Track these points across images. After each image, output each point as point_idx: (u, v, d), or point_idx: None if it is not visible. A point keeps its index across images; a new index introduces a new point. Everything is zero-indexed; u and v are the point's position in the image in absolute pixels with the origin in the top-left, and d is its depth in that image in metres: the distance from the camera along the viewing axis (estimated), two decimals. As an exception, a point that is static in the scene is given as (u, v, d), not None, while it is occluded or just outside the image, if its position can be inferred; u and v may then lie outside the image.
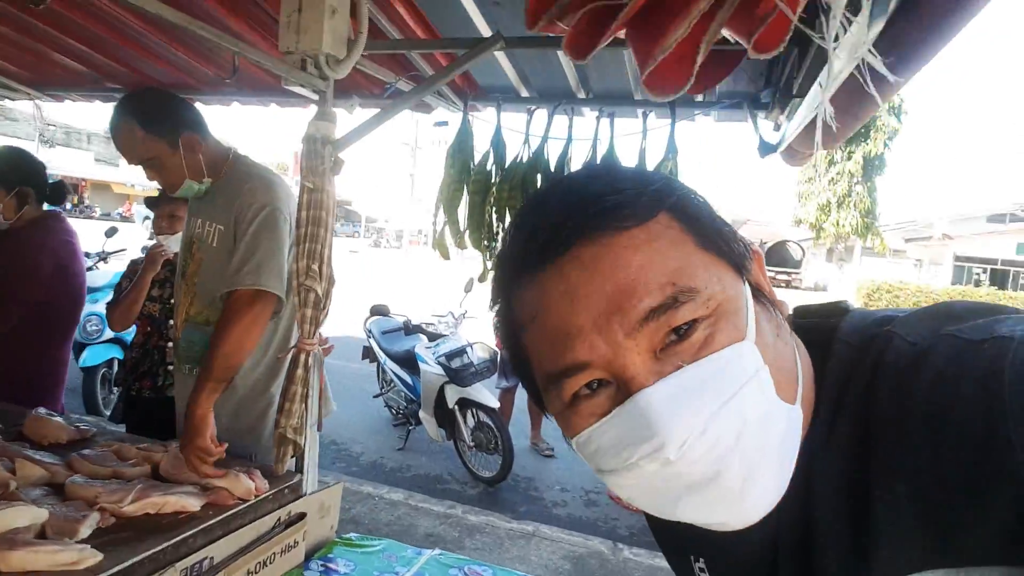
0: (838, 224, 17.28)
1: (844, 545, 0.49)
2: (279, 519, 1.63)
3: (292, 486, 1.72)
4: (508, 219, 2.11)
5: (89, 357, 4.66)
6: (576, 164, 2.15)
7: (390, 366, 5.09)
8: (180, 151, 1.76)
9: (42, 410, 1.92)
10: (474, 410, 4.48)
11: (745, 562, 0.59)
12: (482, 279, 2.10)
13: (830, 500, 0.50)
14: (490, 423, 4.38)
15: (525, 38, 1.69)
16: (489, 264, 2.10)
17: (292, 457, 1.74)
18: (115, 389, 4.77)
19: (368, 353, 5.41)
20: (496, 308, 0.58)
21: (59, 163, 27.80)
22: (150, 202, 2.52)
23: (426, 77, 2.23)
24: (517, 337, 0.55)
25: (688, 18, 0.69)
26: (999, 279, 26.80)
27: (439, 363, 4.50)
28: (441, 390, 4.51)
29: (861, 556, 0.47)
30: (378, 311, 5.03)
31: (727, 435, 0.47)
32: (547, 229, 0.51)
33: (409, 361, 4.82)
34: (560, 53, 2.06)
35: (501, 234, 2.16)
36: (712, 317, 0.49)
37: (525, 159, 2.09)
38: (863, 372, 0.50)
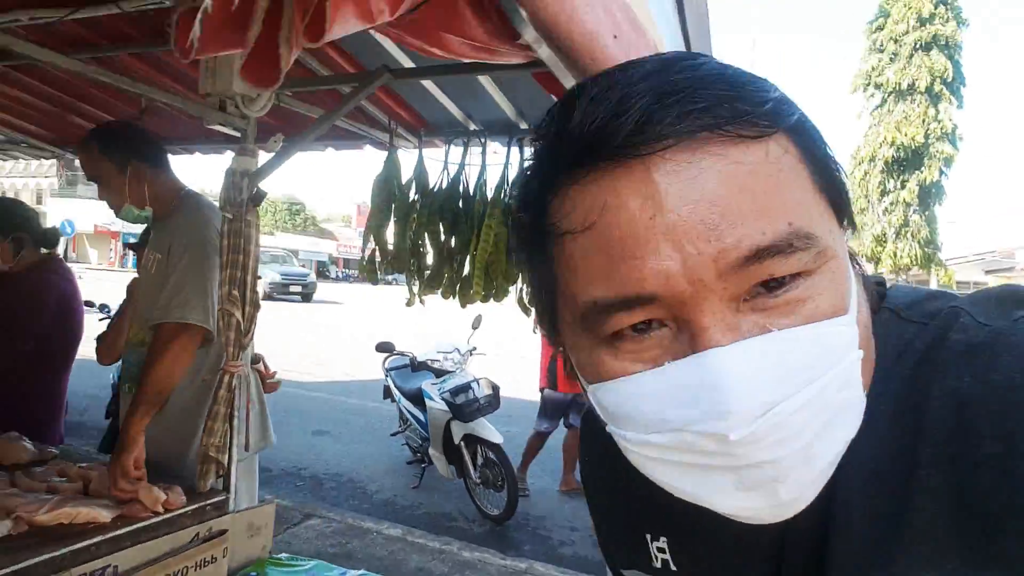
0: (895, 255, 16.53)
1: (867, 537, 0.42)
2: (197, 534, 1.70)
3: (216, 503, 1.80)
4: (428, 243, 2.20)
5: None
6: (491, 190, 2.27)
7: (404, 404, 5.18)
8: (126, 176, 1.96)
9: (14, 434, 2.08)
10: (480, 446, 4.48)
11: (730, 548, 0.51)
12: (409, 303, 2.19)
13: (859, 485, 0.43)
14: (495, 459, 4.37)
15: (411, 69, 1.80)
16: (416, 288, 2.19)
17: (218, 476, 1.82)
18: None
19: (388, 392, 5.53)
20: (522, 203, 0.46)
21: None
22: (135, 244, 2.73)
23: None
24: (546, 246, 0.44)
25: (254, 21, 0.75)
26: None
27: (443, 399, 4.55)
28: (447, 426, 4.55)
29: (884, 552, 0.41)
30: (383, 348, 5.14)
31: (800, 424, 0.38)
32: (640, 111, 0.39)
33: (419, 398, 4.89)
34: (493, 87, 2.16)
35: (429, 257, 2.23)
36: (817, 276, 0.40)
37: (444, 185, 2.19)
38: (921, 347, 0.44)
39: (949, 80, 16.04)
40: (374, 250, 2.32)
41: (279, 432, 2.56)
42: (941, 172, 18.07)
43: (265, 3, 0.76)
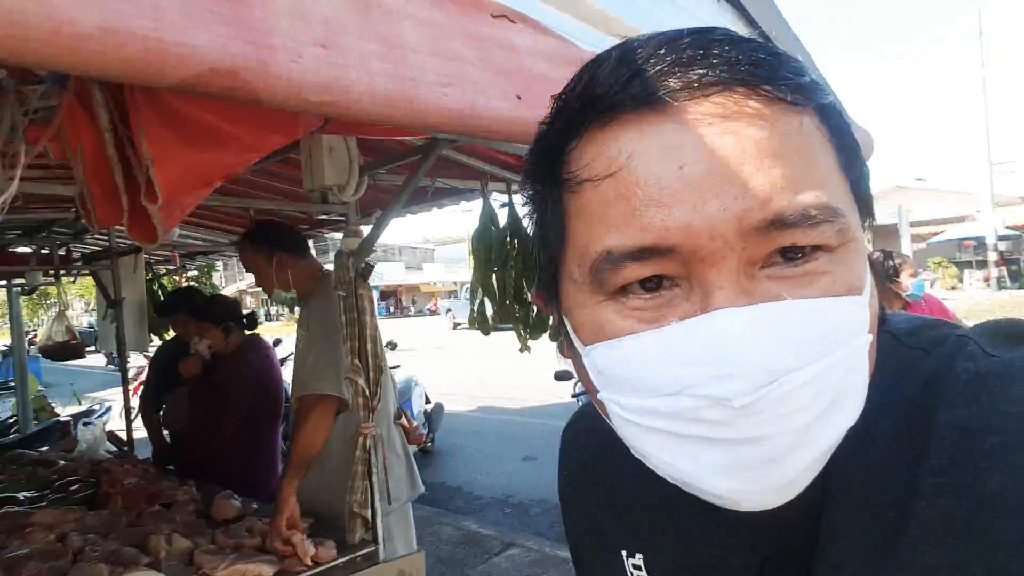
0: None
1: (853, 569, 0.40)
2: (349, 584, 1.88)
3: (366, 555, 1.97)
4: (526, 288, 2.16)
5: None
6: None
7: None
8: (272, 266, 2.29)
9: (227, 492, 2.50)
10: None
11: (707, 566, 0.49)
12: (521, 350, 2.18)
13: (849, 513, 0.41)
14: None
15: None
16: (524, 334, 2.17)
17: (365, 530, 2.00)
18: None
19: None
20: (536, 155, 0.45)
21: (380, 272, 34.06)
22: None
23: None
24: (561, 198, 0.43)
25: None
26: None
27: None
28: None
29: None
30: (562, 376, 5.16)
31: (806, 398, 0.37)
32: (679, 54, 0.38)
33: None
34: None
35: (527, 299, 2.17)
36: (838, 254, 0.39)
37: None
38: (925, 373, 0.42)
39: None
40: (482, 302, 2.37)
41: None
42: None
43: (121, 181, 0.85)
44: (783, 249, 0.38)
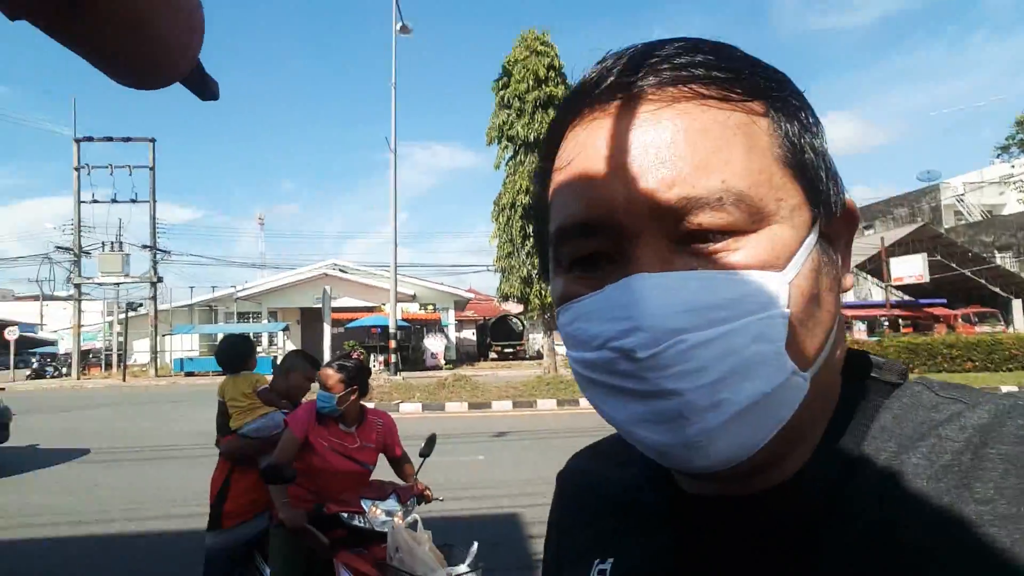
0: (541, 295, 17.89)
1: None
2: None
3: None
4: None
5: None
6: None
7: None
8: None
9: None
10: None
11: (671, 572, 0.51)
12: None
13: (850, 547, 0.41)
14: None
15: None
16: None
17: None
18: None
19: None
20: (539, 159, 0.54)
21: None
22: None
23: None
24: (546, 186, 0.52)
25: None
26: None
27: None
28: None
29: None
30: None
31: (708, 357, 0.41)
32: (624, 63, 0.46)
33: None
34: None
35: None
36: (753, 237, 0.43)
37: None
38: (975, 419, 0.42)
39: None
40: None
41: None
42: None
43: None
44: (700, 231, 0.43)
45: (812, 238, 0.45)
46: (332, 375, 2.98)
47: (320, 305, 20.77)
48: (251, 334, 32.64)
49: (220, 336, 32.52)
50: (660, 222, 0.43)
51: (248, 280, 37.63)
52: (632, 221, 0.43)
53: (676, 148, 0.43)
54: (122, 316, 30.38)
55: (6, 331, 27.90)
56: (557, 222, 0.48)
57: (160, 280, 29.85)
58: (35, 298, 44.17)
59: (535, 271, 17.35)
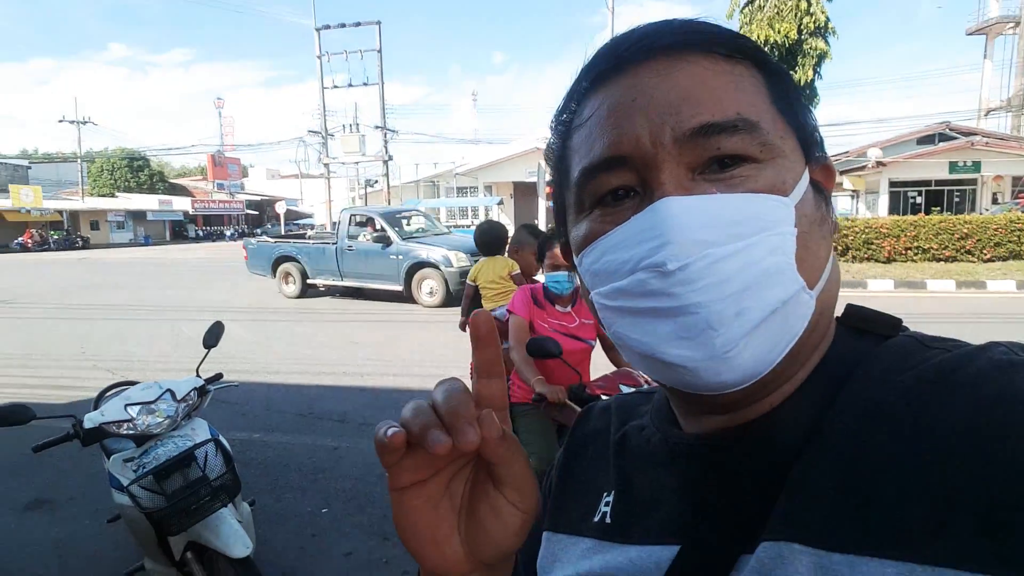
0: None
1: (827, 516, 0.41)
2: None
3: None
4: None
5: None
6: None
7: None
8: None
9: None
10: (220, 561, 2.59)
11: (660, 501, 0.55)
12: None
13: (828, 464, 0.43)
14: (245, 579, 2.51)
15: None
16: None
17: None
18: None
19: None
20: (555, 124, 0.58)
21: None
22: None
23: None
24: (566, 145, 0.55)
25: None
26: (933, 199, 26.75)
27: (145, 489, 2.57)
28: (159, 531, 2.59)
29: (849, 528, 0.41)
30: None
31: (732, 270, 0.44)
32: (633, 41, 0.51)
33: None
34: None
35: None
36: (762, 164, 0.47)
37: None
38: (952, 360, 0.44)
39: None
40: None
41: None
42: (815, 71, 17.45)
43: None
44: (717, 158, 0.47)
45: (807, 176, 0.50)
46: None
47: (534, 180, 20.93)
48: (468, 207, 34.81)
49: (442, 209, 35.54)
50: (682, 149, 0.47)
51: (465, 156, 39.41)
52: (657, 151, 0.47)
53: (694, 88, 0.48)
54: (362, 192, 33.83)
55: (276, 205, 32.83)
56: (582, 164, 0.51)
57: (391, 158, 32.31)
58: (295, 176, 51.26)
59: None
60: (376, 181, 36.35)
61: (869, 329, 0.53)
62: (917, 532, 0.38)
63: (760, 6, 15.47)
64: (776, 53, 15.13)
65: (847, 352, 0.50)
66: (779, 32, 14.63)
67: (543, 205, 19.95)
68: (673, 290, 0.44)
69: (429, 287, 11.85)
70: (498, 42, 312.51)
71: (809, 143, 0.52)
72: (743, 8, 16.27)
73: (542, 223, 19.81)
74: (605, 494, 0.62)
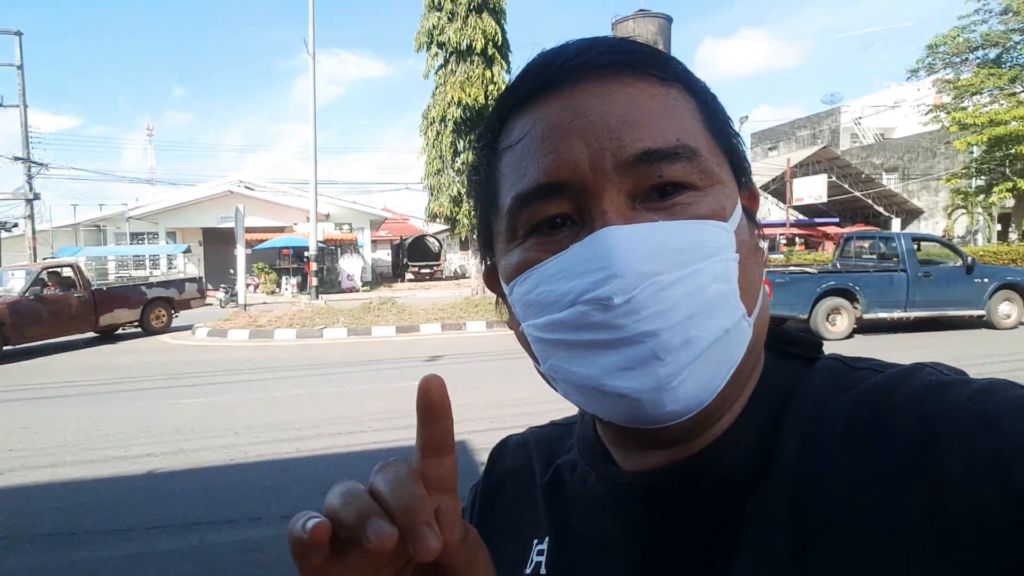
0: (470, 214, 17.50)
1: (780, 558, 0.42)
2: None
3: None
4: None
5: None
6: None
7: None
8: None
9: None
10: None
11: (605, 548, 0.52)
12: None
13: (774, 505, 0.44)
14: None
15: None
16: None
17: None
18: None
19: None
20: (479, 144, 0.55)
21: None
22: None
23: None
24: (493, 167, 0.52)
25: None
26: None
27: None
28: None
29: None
30: None
31: (677, 297, 0.43)
32: (566, 57, 0.49)
33: None
34: None
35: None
36: (702, 191, 0.47)
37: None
38: (884, 382, 0.46)
39: (499, 44, 16.47)
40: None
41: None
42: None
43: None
44: (658, 186, 0.46)
45: (739, 205, 0.50)
46: None
47: (227, 225, 19.36)
48: (146, 256, 30.31)
49: (110, 258, 30.17)
50: (623, 176, 0.45)
51: (140, 197, 34.53)
52: (597, 178, 0.45)
53: (632, 112, 0.46)
54: (-7, 237, 26.98)
55: None
56: (514, 191, 0.49)
57: (37, 197, 26.70)
58: None
59: (464, 189, 16.88)
60: (16, 224, 29.54)
61: (795, 352, 0.53)
62: (880, 552, 0.38)
63: (452, 71, 16.93)
64: (467, 114, 16.64)
65: (779, 377, 0.51)
66: (469, 95, 16.21)
67: (243, 253, 18.52)
68: (617, 321, 0.43)
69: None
70: (178, 74, 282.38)
71: (740, 168, 0.51)
72: (437, 71, 17.62)
73: (240, 273, 18.36)
74: (536, 541, 0.58)
